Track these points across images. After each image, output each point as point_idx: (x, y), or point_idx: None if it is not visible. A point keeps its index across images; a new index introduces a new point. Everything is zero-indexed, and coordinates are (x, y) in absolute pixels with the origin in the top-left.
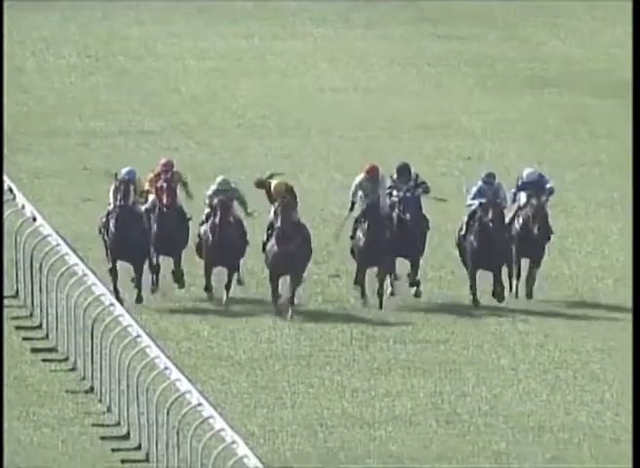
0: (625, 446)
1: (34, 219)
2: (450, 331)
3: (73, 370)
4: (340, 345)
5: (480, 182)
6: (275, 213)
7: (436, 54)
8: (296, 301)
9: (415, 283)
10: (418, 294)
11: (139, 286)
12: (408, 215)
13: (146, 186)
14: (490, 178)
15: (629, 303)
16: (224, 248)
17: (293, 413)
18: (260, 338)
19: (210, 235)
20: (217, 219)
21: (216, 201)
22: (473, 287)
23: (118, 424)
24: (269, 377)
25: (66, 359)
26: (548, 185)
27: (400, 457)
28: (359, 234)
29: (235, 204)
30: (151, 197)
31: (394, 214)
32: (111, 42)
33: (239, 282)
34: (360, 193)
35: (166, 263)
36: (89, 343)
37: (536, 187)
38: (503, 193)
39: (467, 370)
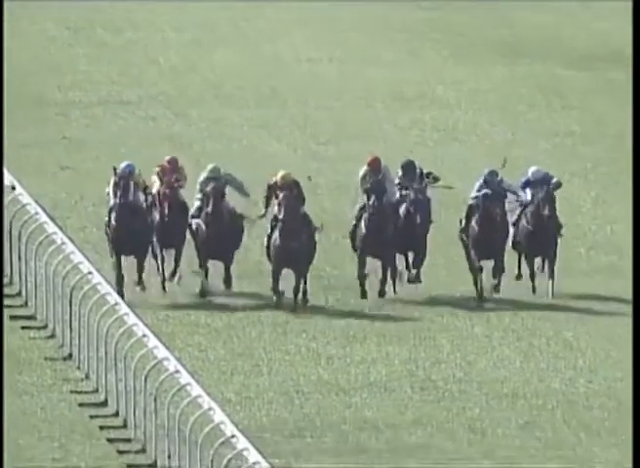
0: (598, 412)
1: (13, 188)
2: (425, 300)
3: (52, 337)
4: (315, 313)
5: (482, 180)
6: (279, 204)
7: (410, 23)
8: (300, 296)
9: (415, 280)
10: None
11: (139, 281)
12: (418, 217)
13: (153, 180)
14: (492, 176)
15: (602, 272)
16: (219, 239)
17: (269, 380)
18: (237, 306)
19: (203, 226)
20: (209, 209)
21: (208, 189)
22: (479, 281)
23: (96, 391)
24: (246, 345)
25: (45, 326)
26: (554, 180)
27: (375, 423)
28: (361, 224)
29: (228, 192)
30: (155, 189)
31: (402, 210)
32: (91, 14)
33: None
34: (366, 185)
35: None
36: (67, 311)
37: (541, 185)
38: (508, 183)
39: (442, 338)
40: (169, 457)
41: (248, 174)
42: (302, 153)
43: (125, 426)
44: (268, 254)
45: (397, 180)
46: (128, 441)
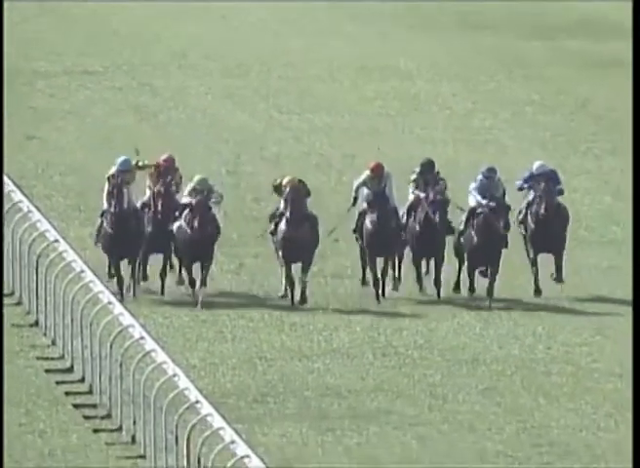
0: (556, 377)
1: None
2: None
3: (19, 304)
4: (278, 281)
5: (480, 177)
6: (285, 200)
7: None
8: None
9: (435, 285)
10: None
11: (135, 283)
12: (437, 218)
13: (148, 182)
14: (491, 173)
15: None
16: (200, 244)
17: (233, 347)
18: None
19: (188, 231)
20: (195, 219)
21: (194, 201)
22: (472, 287)
23: (62, 357)
24: (210, 312)
25: (12, 294)
26: (559, 187)
27: (337, 389)
28: (367, 224)
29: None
30: (148, 192)
31: (420, 212)
32: None
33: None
34: (365, 191)
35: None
36: (34, 278)
37: (545, 180)
38: (504, 189)
39: (403, 305)
40: (134, 423)
41: (212, 143)
42: (266, 123)
43: (91, 392)
44: (277, 249)
45: (414, 177)
46: (93, 406)
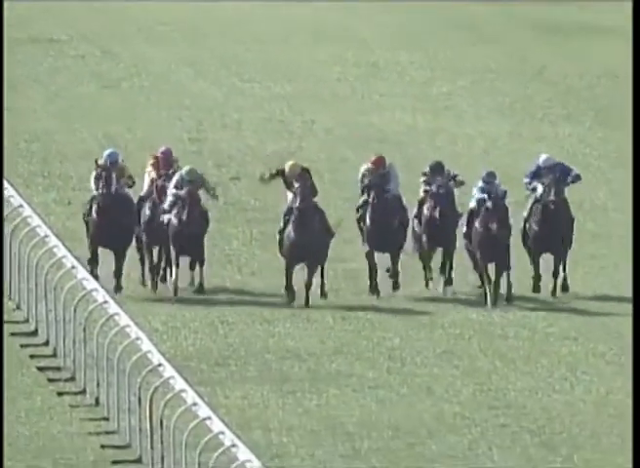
0: (513, 341)
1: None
2: (348, 232)
3: None
4: (240, 245)
5: (480, 183)
6: (295, 194)
7: None
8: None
9: (449, 280)
10: (448, 283)
11: (118, 275)
12: (437, 211)
13: (148, 170)
14: (491, 178)
15: (516, 204)
16: (191, 238)
17: (195, 311)
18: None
19: (176, 224)
20: (184, 211)
21: (183, 192)
22: (484, 285)
23: (27, 321)
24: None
25: None
26: (574, 173)
27: (297, 352)
28: (366, 218)
29: (202, 192)
30: (146, 185)
31: (426, 207)
32: None
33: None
34: (366, 181)
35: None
36: None
37: (553, 174)
38: (502, 192)
39: (363, 270)
40: (97, 385)
41: (174, 110)
42: (227, 90)
43: (55, 355)
44: (281, 249)
45: (423, 178)
46: (58, 369)
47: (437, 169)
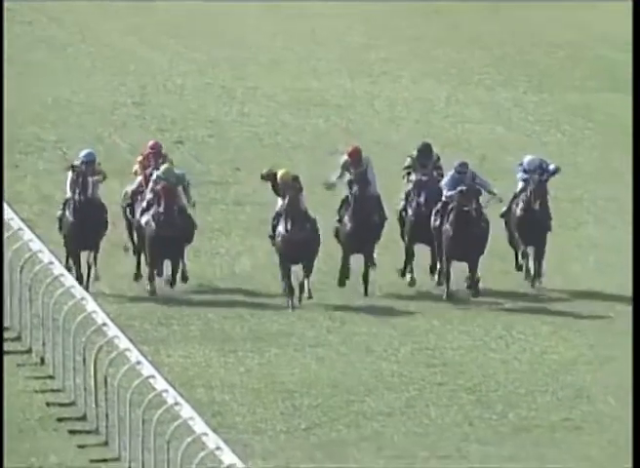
0: (449, 301)
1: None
2: None
3: None
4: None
5: (453, 172)
6: (286, 203)
7: None
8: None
9: (441, 279)
10: (440, 284)
11: (94, 270)
12: (422, 199)
13: (135, 167)
14: (463, 168)
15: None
16: (169, 240)
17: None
18: (110, 201)
19: (153, 225)
20: (160, 209)
21: (159, 188)
22: (448, 279)
23: None
24: (119, 238)
25: None
26: (552, 166)
27: (239, 312)
28: (345, 219)
29: (180, 190)
30: (138, 178)
31: (412, 201)
32: None
33: (183, 278)
34: (347, 176)
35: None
36: None
37: (536, 173)
38: (480, 179)
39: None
40: (43, 345)
41: (118, 75)
42: (171, 56)
43: (1, 315)
44: (277, 249)
45: (407, 163)
46: (5, 329)
47: (425, 151)
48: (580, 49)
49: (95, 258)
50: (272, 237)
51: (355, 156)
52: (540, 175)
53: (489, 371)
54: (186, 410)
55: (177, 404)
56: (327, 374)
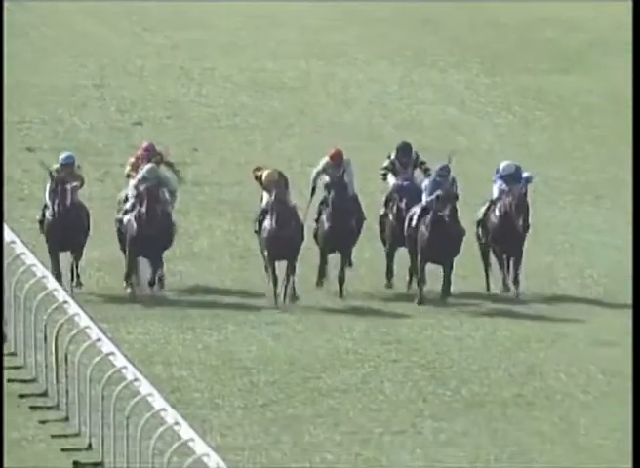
0: (403, 279)
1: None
2: (243, 174)
3: None
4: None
5: (434, 176)
6: (272, 200)
7: None
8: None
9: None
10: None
11: (76, 274)
12: (403, 204)
13: (127, 170)
14: (444, 172)
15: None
16: (150, 240)
17: (99, 251)
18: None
19: (135, 225)
20: (143, 209)
21: (142, 189)
22: (422, 281)
23: None
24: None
25: None
26: (525, 174)
27: (196, 289)
28: (323, 219)
29: (164, 193)
30: (131, 182)
31: (392, 207)
32: None
33: (160, 279)
34: (325, 178)
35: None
36: None
37: (513, 180)
38: (456, 187)
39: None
40: (5, 323)
41: (79, 57)
42: (130, 39)
43: None
44: (263, 246)
45: (385, 163)
46: None
47: (404, 150)
48: (532, 31)
49: (77, 264)
50: (257, 233)
51: (337, 159)
52: (519, 188)
53: (443, 349)
54: (145, 387)
55: (136, 380)
56: (284, 352)
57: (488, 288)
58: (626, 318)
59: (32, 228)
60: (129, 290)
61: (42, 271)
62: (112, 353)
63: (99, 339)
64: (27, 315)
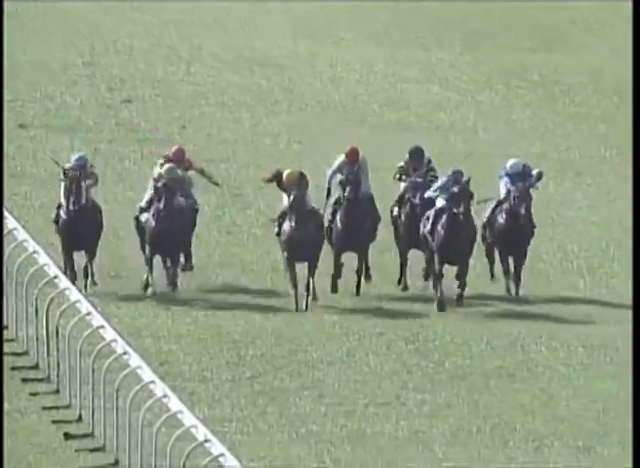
0: (388, 255)
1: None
2: (230, 151)
3: None
4: (131, 164)
5: (446, 178)
6: (291, 201)
7: None
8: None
9: (427, 276)
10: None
11: (90, 273)
12: (417, 200)
13: (156, 170)
14: (457, 176)
15: (392, 127)
16: (167, 236)
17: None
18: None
19: (153, 222)
20: (161, 205)
21: (160, 185)
22: (438, 285)
23: None
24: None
25: None
26: (535, 171)
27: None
28: (337, 219)
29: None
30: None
31: (405, 204)
32: None
33: (189, 267)
34: (339, 177)
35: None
36: None
37: (520, 178)
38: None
39: (247, 187)
40: None
41: (69, 36)
42: (118, 18)
43: None
44: (283, 249)
45: (400, 164)
46: None
47: (416, 154)
48: (515, 10)
49: (91, 263)
50: (278, 234)
51: (353, 157)
52: (524, 183)
53: (426, 322)
54: (135, 360)
55: (125, 353)
56: (271, 325)
57: (492, 276)
58: (605, 293)
59: (24, 205)
60: (149, 290)
61: (33, 246)
62: (102, 326)
63: (89, 313)
64: (19, 289)
